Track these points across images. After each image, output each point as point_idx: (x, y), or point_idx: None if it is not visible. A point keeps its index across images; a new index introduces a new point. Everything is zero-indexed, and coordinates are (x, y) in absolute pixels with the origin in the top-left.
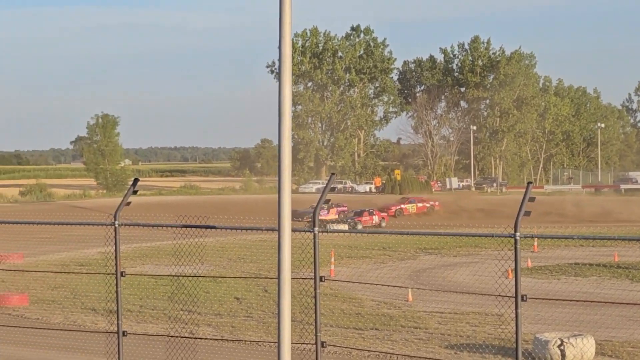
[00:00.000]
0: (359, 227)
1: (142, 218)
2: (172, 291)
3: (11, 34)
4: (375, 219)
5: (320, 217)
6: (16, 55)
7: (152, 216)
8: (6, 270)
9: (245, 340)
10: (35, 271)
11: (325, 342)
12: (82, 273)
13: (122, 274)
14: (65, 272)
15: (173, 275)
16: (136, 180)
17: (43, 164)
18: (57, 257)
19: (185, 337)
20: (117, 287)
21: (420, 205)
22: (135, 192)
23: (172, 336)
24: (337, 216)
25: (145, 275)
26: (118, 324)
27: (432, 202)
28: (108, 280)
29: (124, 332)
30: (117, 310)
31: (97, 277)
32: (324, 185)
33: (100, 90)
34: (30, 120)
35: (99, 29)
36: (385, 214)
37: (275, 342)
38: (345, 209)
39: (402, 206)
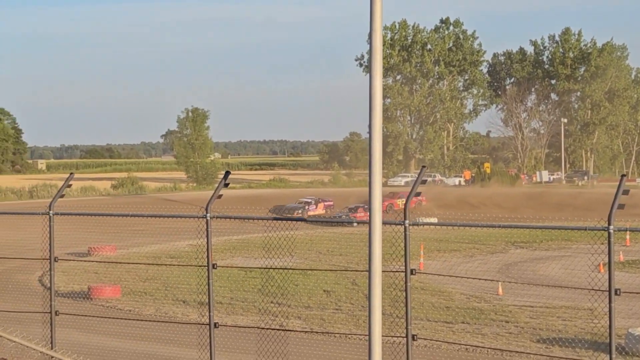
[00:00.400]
0: (355, 224)
1: (233, 211)
2: (262, 284)
3: (105, 28)
4: None
5: (308, 213)
6: (108, 50)
7: (242, 209)
8: (99, 262)
9: (334, 333)
10: (127, 263)
11: (415, 335)
12: (173, 265)
13: (213, 266)
14: (156, 264)
15: (263, 268)
16: (227, 173)
17: (134, 158)
18: (149, 250)
19: (275, 329)
20: (208, 279)
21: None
22: (226, 185)
23: (262, 328)
24: (324, 211)
25: (235, 267)
26: (210, 315)
27: (419, 198)
28: (199, 273)
29: (215, 323)
30: (209, 302)
31: (188, 269)
32: (413, 178)
33: (191, 84)
34: (122, 114)
35: (189, 24)
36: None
37: (364, 335)
38: (331, 203)
39: (393, 201)
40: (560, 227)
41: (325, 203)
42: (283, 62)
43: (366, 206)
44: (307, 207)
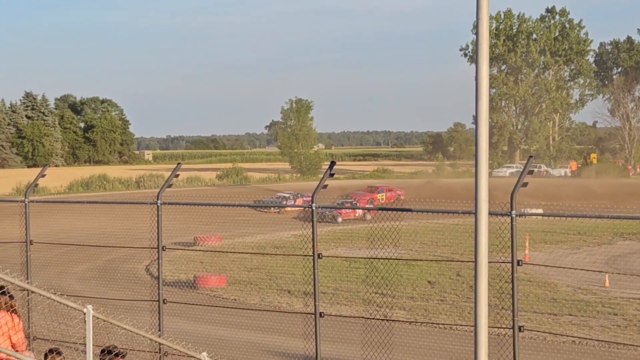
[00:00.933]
0: (339, 220)
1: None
2: (366, 274)
3: (210, 21)
4: (359, 211)
5: (286, 209)
6: (214, 42)
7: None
8: (205, 251)
9: (439, 324)
10: (232, 252)
11: (522, 326)
12: (278, 255)
13: (319, 256)
14: (261, 254)
15: (367, 258)
16: (333, 164)
17: (239, 148)
18: (254, 240)
19: (379, 319)
20: (314, 269)
21: (388, 194)
22: (332, 175)
23: (366, 318)
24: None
25: (340, 257)
26: (315, 305)
27: (398, 192)
28: (304, 263)
29: (320, 313)
30: (314, 291)
31: (292, 259)
32: (518, 169)
33: (295, 75)
34: (227, 105)
35: (292, 14)
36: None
37: (469, 326)
38: (309, 198)
39: (373, 195)
40: None
41: (304, 198)
42: (387, 53)
43: (354, 201)
44: (284, 202)
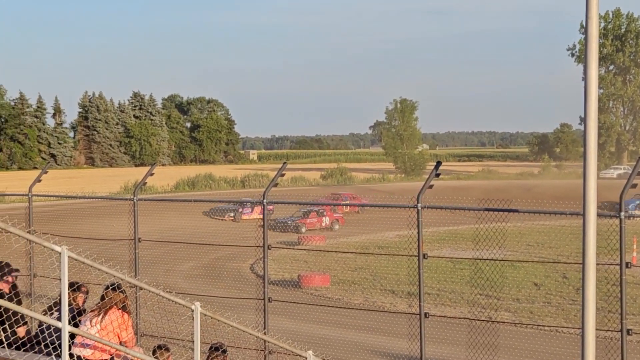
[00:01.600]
0: (303, 230)
1: (442, 201)
2: (470, 275)
3: (313, 20)
4: (326, 220)
5: (242, 217)
6: (318, 42)
7: (451, 200)
8: (309, 250)
9: (544, 326)
10: (336, 251)
11: (631, 329)
12: (382, 254)
13: (424, 256)
14: (365, 254)
15: (472, 259)
16: (439, 164)
17: (343, 149)
18: (357, 240)
19: (484, 320)
20: (419, 269)
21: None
22: (437, 175)
23: (471, 319)
24: (260, 216)
25: (445, 258)
26: (420, 305)
27: (364, 200)
28: (408, 263)
29: (425, 314)
30: (419, 291)
31: (395, 260)
32: (626, 170)
33: (399, 75)
34: (331, 106)
35: (398, 14)
36: (341, 215)
37: (575, 329)
38: (271, 208)
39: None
40: None
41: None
42: (491, 52)
43: (320, 210)
44: (241, 209)
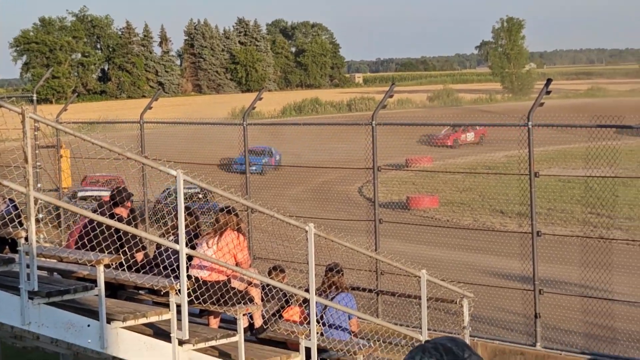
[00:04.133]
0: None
1: (553, 120)
2: (580, 194)
3: None
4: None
5: None
6: None
7: (562, 118)
8: (418, 170)
9: None
10: (444, 172)
11: None
12: (491, 174)
13: (535, 175)
14: (474, 173)
15: (583, 176)
16: (549, 81)
17: (449, 70)
18: (465, 160)
19: (597, 237)
20: (530, 188)
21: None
22: (548, 93)
23: (584, 237)
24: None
25: (556, 176)
26: (532, 224)
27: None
28: (518, 182)
29: (538, 232)
30: (531, 210)
31: (504, 180)
32: None
33: None
34: (436, 26)
35: None
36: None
37: None
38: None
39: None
40: None
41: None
42: None
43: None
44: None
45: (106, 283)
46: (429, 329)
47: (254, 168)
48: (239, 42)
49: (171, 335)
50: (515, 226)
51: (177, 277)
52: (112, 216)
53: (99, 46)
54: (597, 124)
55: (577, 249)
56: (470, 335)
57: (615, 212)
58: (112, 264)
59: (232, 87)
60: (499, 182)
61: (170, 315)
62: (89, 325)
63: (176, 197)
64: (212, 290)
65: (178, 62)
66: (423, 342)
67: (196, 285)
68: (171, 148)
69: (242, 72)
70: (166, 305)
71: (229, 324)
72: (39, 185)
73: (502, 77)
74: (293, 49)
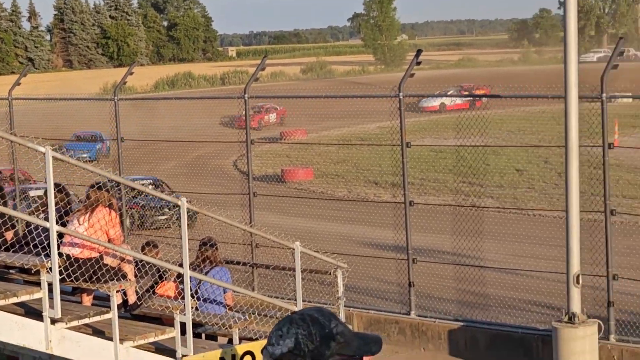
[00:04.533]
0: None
1: (424, 91)
2: (452, 164)
3: None
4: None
5: None
6: None
7: (433, 88)
8: (292, 143)
9: (527, 209)
10: (319, 144)
11: (614, 209)
12: (364, 145)
13: (407, 145)
14: (348, 145)
15: (454, 146)
16: (419, 52)
17: (322, 42)
18: (339, 132)
19: (468, 206)
20: (402, 158)
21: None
22: (418, 64)
23: (455, 205)
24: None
25: (428, 146)
26: (405, 193)
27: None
28: (391, 153)
29: (410, 201)
30: (403, 180)
31: (378, 151)
32: (606, 54)
33: None
34: None
35: None
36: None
37: (559, 211)
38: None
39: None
40: None
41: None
42: None
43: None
44: None
45: None
46: (303, 301)
47: (85, 155)
48: (110, 16)
49: (43, 314)
50: (389, 197)
51: (48, 255)
52: None
53: None
54: (467, 94)
55: (449, 218)
56: (345, 306)
57: (486, 181)
58: None
59: (103, 62)
60: (372, 153)
61: (42, 294)
62: None
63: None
64: (84, 268)
65: (48, 37)
66: (290, 314)
67: (67, 262)
68: (42, 125)
69: (114, 46)
70: (38, 284)
71: (103, 301)
72: None
73: (374, 49)
74: (165, 23)
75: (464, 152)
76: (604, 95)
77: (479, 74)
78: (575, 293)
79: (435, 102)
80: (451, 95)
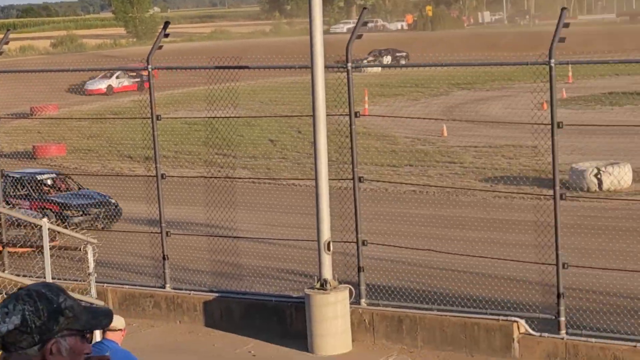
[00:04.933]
0: None
1: (174, 62)
2: (206, 136)
3: None
4: None
5: None
6: None
7: (184, 61)
8: (43, 118)
9: (280, 178)
10: (70, 118)
11: (362, 177)
12: (117, 118)
13: (157, 118)
14: (100, 118)
15: (205, 118)
16: (167, 24)
17: (72, 15)
18: (91, 107)
19: (221, 177)
20: (153, 131)
21: None
22: (166, 36)
23: (207, 177)
24: None
25: (179, 118)
26: (156, 167)
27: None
28: (144, 127)
29: (162, 175)
30: (155, 154)
31: (132, 125)
32: (355, 24)
33: None
34: None
35: None
36: None
37: (311, 180)
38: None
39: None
40: (503, 64)
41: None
42: None
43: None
44: None
45: None
46: (53, 278)
47: None
48: None
49: None
50: (143, 170)
51: None
52: None
53: None
54: (216, 66)
55: (203, 190)
56: (99, 282)
57: (240, 152)
58: None
59: None
60: (125, 127)
61: None
62: None
63: None
64: None
65: None
66: (17, 291)
67: None
68: None
69: None
70: None
71: None
72: None
73: (126, 22)
74: None
75: (216, 124)
76: (349, 64)
77: (232, 46)
78: (327, 260)
79: (102, 85)
80: (201, 67)
